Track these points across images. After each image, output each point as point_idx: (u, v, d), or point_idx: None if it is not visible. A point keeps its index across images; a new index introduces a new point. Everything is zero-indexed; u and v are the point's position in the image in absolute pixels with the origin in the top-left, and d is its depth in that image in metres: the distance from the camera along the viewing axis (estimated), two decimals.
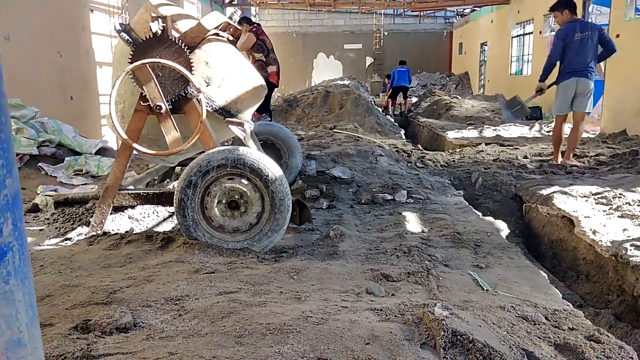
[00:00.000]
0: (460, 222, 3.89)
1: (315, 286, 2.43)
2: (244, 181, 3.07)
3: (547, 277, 2.89)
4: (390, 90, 16.20)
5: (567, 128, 6.86)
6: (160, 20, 3.19)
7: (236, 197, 3.08)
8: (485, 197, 5.58)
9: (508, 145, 8.35)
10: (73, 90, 7.27)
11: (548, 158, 6.81)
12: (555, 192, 4.81)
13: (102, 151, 5.44)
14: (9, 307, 0.58)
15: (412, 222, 3.87)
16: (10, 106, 4.91)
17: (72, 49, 7.33)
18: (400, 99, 16.40)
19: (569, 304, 2.43)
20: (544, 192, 4.88)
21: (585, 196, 4.59)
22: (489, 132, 10.40)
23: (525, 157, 7.01)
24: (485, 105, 15.09)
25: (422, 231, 3.62)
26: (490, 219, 4.18)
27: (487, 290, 2.49)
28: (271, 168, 3.06)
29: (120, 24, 3.49)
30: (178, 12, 3.56)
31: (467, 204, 4.65)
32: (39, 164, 4.78)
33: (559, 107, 6.35)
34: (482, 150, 7.59)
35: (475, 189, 5.71)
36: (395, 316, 1.89)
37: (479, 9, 20.30)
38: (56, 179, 4.66)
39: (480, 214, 4.35)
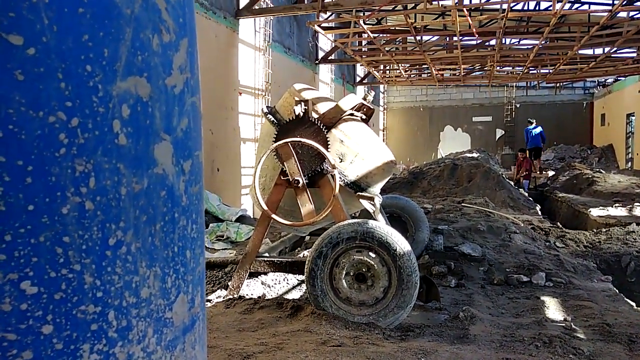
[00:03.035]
0: (610, 312, 3.48)
1: None
2: (372, 254, 3.12)
3: None
4: (524, 160, 15.52)
5: None
6: (302, 103, 3.53)
7: (363, 270, 3.13)
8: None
9: None
10: (220, 163, 8.11)
11: None
12: None
13: (241, 219, 5.92)
14: None
15: (553, 309, 3.56)
16: None
17: (221, 127, 8.27)
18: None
19: None
20: None
21: None
22: None
23: None
24: (634, 180, 13.65)
25: (565, 320, 3.30)
26: None
27: None
28: (399, 242, 3.09)
29: (267, 107, 3.92)
30: (318, 95, 3.90)
31: (617, 291, 4.16)
32: None
33: None
34: (633, 231, 6.80)
35: (627, 275, 5.09)
36: None
37: (623, 78, 18.90)
38: None
39: (634, 304, 3.86)
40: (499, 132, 24.61)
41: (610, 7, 9.66)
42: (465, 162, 11.84)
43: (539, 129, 15.99)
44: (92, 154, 0.45)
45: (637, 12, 10.69)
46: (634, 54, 13.86)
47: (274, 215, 3.43)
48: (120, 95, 0.47)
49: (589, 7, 11.48)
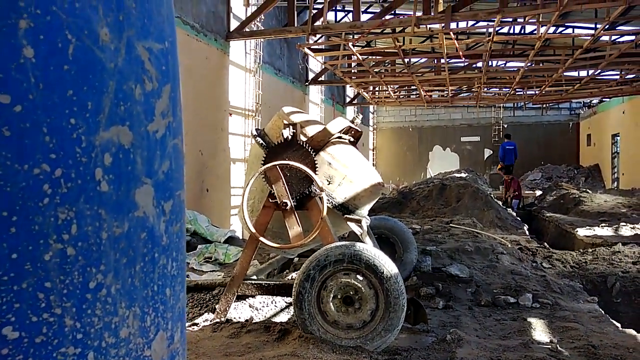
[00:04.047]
0: (595, 334, 3.51)
1: None
2: (360, 277, 3.13)
3: None
4: (502, 166, 15.78)
5: None
6: (291, 126, 3.57)
7: (351, 292, 3.14)
8: (625, 305, 4.98)
9: None
10: (209, 184, 8.11)
11: None
12: None
13: (230, 240, 5.91)
14: None
15: (539, 331, 3.58)
16: None
17: (211, 148, 8.29)
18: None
19: None
20: None
21: None
22: (626, 231, 9.44)
23: None
24: (620, 200, 13.84)
25: (551, 341, 3.32)
26: (632, 331, 3.71)
27: None
28: (387, 265, 3.10)
29: (257, 129, 3.96)
30: (306, 118, 3.95)
31: (602, 312, 4.20)
32: None
33: None
34: (619, 251, 6.87)
35: (613, 296, 5.14)
36: None
37: (608, 99, 19.29)
38: (188, 265, 5.13)
39: (619, 325, 3.89)
40: (487, 152, 24.90)
41: (593, 32, 9.92)
42: (454, 182, 11.94)
43: (512, 146, 16.42)
44: (74, 202, 0.48)
45: (619, 36, 10.98)
46: (617, 76, 14.19)
47: (261, 238, 3.43)
48: (103, 144, 0.50)
49: (573, 31, 11.77)
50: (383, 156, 26.76)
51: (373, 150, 26.52)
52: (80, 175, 0.48)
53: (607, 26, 9.31)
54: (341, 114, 19.15)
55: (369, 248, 3.20)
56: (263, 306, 4.08)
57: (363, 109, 23.82)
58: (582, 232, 9.71)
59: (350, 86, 15.99)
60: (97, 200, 0.50)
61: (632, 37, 10.28)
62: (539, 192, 17.96)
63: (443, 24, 8.04)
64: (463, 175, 13.76)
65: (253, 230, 3.45)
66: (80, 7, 0.47)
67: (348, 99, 20.27)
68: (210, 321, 3.57)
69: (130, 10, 0.52)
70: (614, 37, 10.95)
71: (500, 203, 12.41)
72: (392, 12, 10.31)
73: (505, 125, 23.87)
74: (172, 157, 0.61)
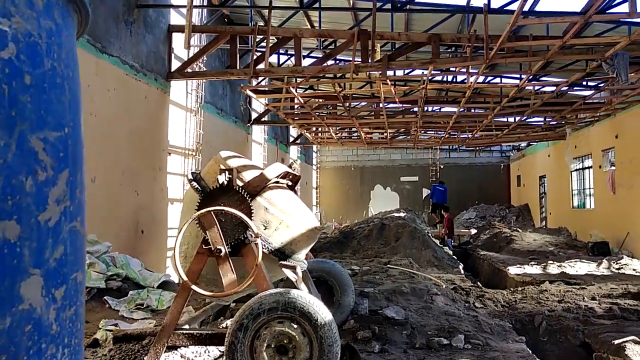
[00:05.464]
0: None
1: None
2: (294, 325, 3.11)
3: None
4: (444, 219, 16.43)
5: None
6: (227, 172, 3.57)
7: (285, 341, 3.10)
8: (551, 344, 5.21)
9: (574, 284, 7.93)
10: (145, 225, 7.85)
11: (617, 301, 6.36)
12: (628, 341, 4.45)
13: (164, 285, 5.70)
14: None
15: None
16: (87, 242, 5.38)
17: (148, 188, 8.08)
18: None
19: None
20: (616, 341, 4.52)
21: None
22: (553, 269, 9.98)
23: (593, 298, 6.59)
24: (548, 239, 14.66)
25: None
26: None
27: None
28: (321, 312, 3.11)
29: (193, 173, 3.92)
30: (244, 163, 3.96)
31: (530, 351, 4.36)
32: (105, 297, 5.07)
33: None
34: (546, 290, 7.23)
35: (539, 334, 5.36)
36: None
37: (535, 143, 20.62)
38: (118, 313, 4.88)
39: None
40: (425, 192, 25.72)
41: (518, 82, 10.70)
42: (393, 222, 12.21)
43: (443, 188, 18.26)
44: None
45: (541, 86, 11.88)
46: (542, 123, 15.27)
47: (194, 286, 3.35)
48: None
49: (501, 81, 12.61)
50: (326, 195, 27.05)
51: (316, 189, 26.76)
52: None
53: (531, 77, 10.08)
54: (285, 153, 19.30)
55: (303, 295, 3.20)
56: (196, 356, 3.93)
57: (307, 148, 24.14)
58: (513, 270, 10.15)
59: (293, 127, 16.22)
60: None
61: (553, 88, 11.17)
62: (474, 231, 18.68)
63: (380, 72, 8.41)
64: (402, 214, 14.12)
65: (185, 278, 3.36)
66: None
67: (292, 139, 20.49)
68: None
69: (24, 105, 0.54)
70: (537, 87, 11.84)
71: (438, 242, 12.77)
72: (334, 58, 10.68)
73: (442, 166, 24.88)
74: (67, 242, 0.61)
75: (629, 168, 12.16)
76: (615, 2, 7.33)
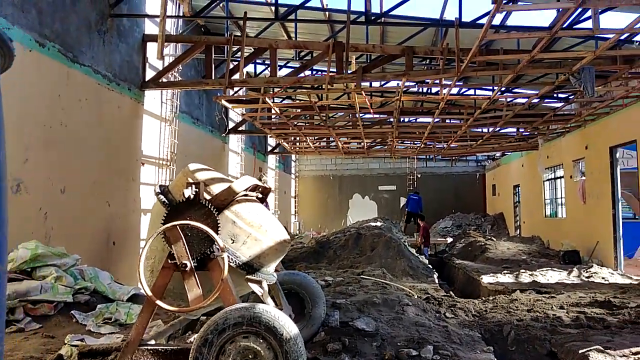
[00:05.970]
0: None
1: None
2: (260, 340, 3.11)
3: None
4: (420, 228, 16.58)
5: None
6: (194, 185, 3.56)
7: (250, 356, 3.09)
8: (519, 353, 5.29)
9: (545, 293, 8.07)
10: (116, 236, 7.74)
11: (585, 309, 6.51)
12: (592, 350, 4.55)
13: (134, 298, 5.62)
14: None
15: None
16: (53, 254, 5.27)
17: (120, 198, 7.98)
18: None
19: None
20: (580, 350, 4.62)
21: (624, 355, 4.32)
22: (525, 277, 10.14)
23: (562, 307, 6.72)
24: (521, 247, 14.88)
25: None
26: None
27: None
28: (287, 326, 3.11)
29: (160, 186, 3.89)
30: (212, 176, 3.95)
31: None
32: (72, 311, 4.97)
33: None
34: (516, 299, 7.35)
35: (508, 344, 5.45)
36: None
37: (509, 153, 21.00)
38: (85, 327, 4.80)
39: None
40: (403, 201, 25.94)
41: (490, 94, 10.91)
42: (369, 232, 12.27)
43: (417, 197, 19.11)
44: None
45: (513, 98, 12.15)
46: (515, 133, 15.57)
47: (159, 302, 3.33)
48: None
49: (475, 92, 12.85)
50: (305, 203, 27.05)
51: (295, 198, 26.73)
52: None
53: (503, 89, 10.30)
54: (263, 162, 19.26)
55: (269, 309, 3.20)
56: None
57: (285, 157, 24.14)
58: (486, 279, 10.28)
59: (270, 136, 16.21)
60: None
61: (525, 100, 11.42)
62: (450, 239, 18.88)
63: (355, 83, 8.49)
64: (378, 224, 14.20)
65: (149, 293, 3.34)
66: None
67: (270, 148, 20.47)
68: None
69: None
70: (509, 99, 12.10)
71: (414, 251, 12.86)
72: (310, 68, 10.74)
73: (419, 175, 25.14)
74: None
75: (599, 178, 12.47)
76: (583, 17, 7.57)
